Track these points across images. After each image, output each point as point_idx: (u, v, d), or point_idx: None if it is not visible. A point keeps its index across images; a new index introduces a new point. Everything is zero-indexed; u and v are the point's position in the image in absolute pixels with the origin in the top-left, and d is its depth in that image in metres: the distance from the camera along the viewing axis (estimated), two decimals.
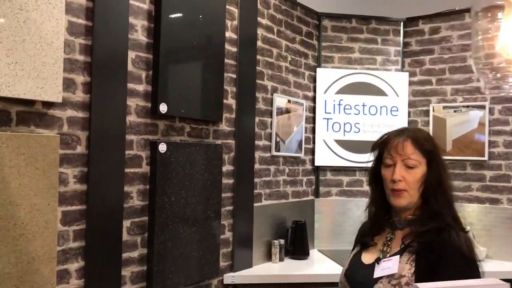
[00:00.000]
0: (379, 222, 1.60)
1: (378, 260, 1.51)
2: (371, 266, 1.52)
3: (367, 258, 1.57)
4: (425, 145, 1.53)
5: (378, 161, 1.61)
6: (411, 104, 4.00)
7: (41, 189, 1.92)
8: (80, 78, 2.14)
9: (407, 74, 4.00)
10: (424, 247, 1.44)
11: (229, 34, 3.00)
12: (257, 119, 3.24)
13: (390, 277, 1.44)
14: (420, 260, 1.43)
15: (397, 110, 3.96)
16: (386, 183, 1.55)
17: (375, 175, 1.62)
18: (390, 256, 1.50)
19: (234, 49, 3.06)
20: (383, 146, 1.58)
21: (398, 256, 1.47)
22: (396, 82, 3.97)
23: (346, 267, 1.62)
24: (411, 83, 4.00)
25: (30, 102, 1.95)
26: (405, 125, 3.92)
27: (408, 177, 1.50)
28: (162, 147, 2.47)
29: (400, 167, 1.51)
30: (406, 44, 4.05)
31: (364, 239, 1.62)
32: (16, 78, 1.85)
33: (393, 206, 1.55)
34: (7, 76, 1.82)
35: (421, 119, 3.96)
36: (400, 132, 1.57)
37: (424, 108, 3.95)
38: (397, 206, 1.53)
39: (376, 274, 1.48)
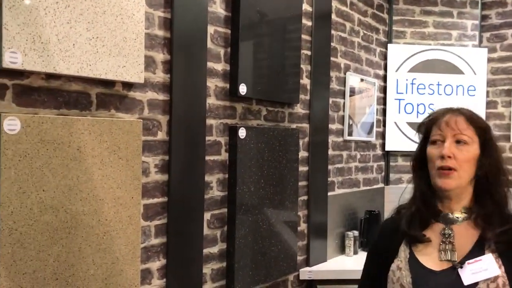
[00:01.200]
0: (426, 215, 1.35)
1: (460, 264, 1.26)
2: (449, 272, 1.28)
3: (430, 261, 1.31)
4: (479, 122, 1.34)
5: (425, 141, 1.38)
6: (490, 83, 3.66)
7: (124, 181, 1.72)
8: (160, 56, 1.91)
9: (485, 50, 3.65)
10: (508, 247, 1.27)
11: (305, 6, 2.72)
12: (330, 101, 2.98)
13: (487, 280, 1.23)
14: (507, 260, 1.26)
15: (475, 90, 3.62)
16: (432, 162, 1.32)
17: (420, 157, 1.38)
18: (467, 256, 1.28)
19: (309, 23, 2.78)
20: (431, 123, 1.36)
21: (491, 254, 1.26)
22: (473, 59, 3.63)
23: (409, 276, 1.32)
24: (490, 60, 3.66)
25: (110, 83, 1.73)
26: (484, 106, 3.60)
27: (459, 154, 1.29)
28: (242, 132, 2.24)
29: (451, 143, 1.29)
30: (484, 17, 3.69)
31: (414, 234, 1.35)
32: (97, 55, 1.63)
33: (438, 188, 1.31)
34: (88, 53, 1.60)
35: (501, 100, 3.63)
36: (451, 109, 1.37)
37: (505, 87, 3.61)
38: (443, 188, 1.29)
39: (470, 280, 1.25)
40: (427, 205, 1.35)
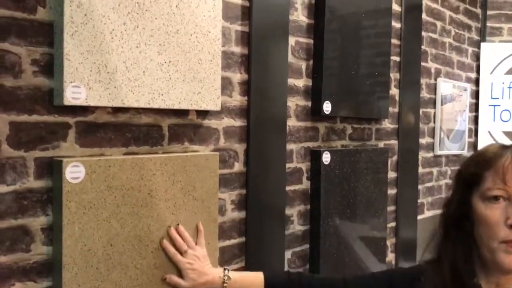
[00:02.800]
0: None
1: None
2: None
3: None
4: None
5: (468, 190, 1.01)
6: None
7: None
8: (236, 76, 1.66)
9: None
10: None
11: (393, 6, 2.39)
12: (420, 111, 2.63)
13: None
14: None
15: None
16: (491, 229, 0.96)
17: (460, 213, 1.01)
18: None
19: (398, 25, 2.44)
20: (485, 167, 0.99)
21: None
22: None
23: None
24: None
25: (183, 112, 1.50)
26: None
27: None
28: (326, 157, 1.96)
29: None
30: None
31: None
32: (169, 83, 1.40)
33: (501, 267, 0.95)
34: (160, 80, 1.37)
35: None
36: None
37: None
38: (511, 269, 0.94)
39: None
40: (460, 283, 0.99)
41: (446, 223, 1.05)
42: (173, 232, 1.39)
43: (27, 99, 1.16)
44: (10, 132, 1.14)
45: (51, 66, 1.20)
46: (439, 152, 2.76)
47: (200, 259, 1.38)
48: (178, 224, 1.42)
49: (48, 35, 1.19)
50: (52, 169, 1.20)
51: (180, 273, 1.37)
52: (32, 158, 1.18)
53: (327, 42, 1.93)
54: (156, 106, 1.37)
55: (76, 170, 1.21)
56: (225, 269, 1.37)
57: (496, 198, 0.96)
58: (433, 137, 2.74)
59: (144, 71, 1.34)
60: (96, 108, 1.28)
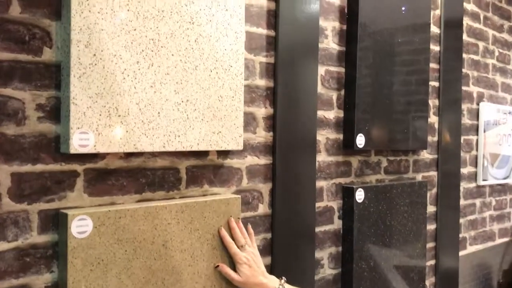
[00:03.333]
0: None
1: None
2: None
3: None
4: None
5: None
6: None
7: (219, 277, 1.37)
8: (261, 111, 1.55)
9: None
10: None
11: (432, 28, 2.23)
12: (461, 139, 2.44)
13: None
14: None
15: None
16: None
17: None
18: None
19: (437, 48, 2.28)
20: None
21: None
22: None
23: None
24: None
25: (203, 153, 1.39)
26: None
27: None
28: (360, 194, 1.81)
29: None
30: None
31: None
32: (187, 123, 1.29)
33: None
34: (176, 121, 1.27)
35: None
36: None
37: None
38: None
39: None
40: None
41: None
42: (232, 222, 1.37)
43: (31, 148, 1.08)
44: (12, 184, 1.05)
45: (58, 111, 1.11)
46: (482, 182, 2.56)
47: (257, 258, 1.36)
48: (238, 218, 1.39)
49: (55, 77, 1.11)
50: (57, 222, 1.11)
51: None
52: (36, 211, 1.09)
53: (360, 70, 1.80)
54: (172, 149, 1.26)
55: (83, 224, 1.11)
56: (281, 278, 1.35)
57: None
58: (476, 166, 2.54)
59: (159, 112, 1.24)
60: (106, 153, 1.19)
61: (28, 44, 1.07)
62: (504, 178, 2.74)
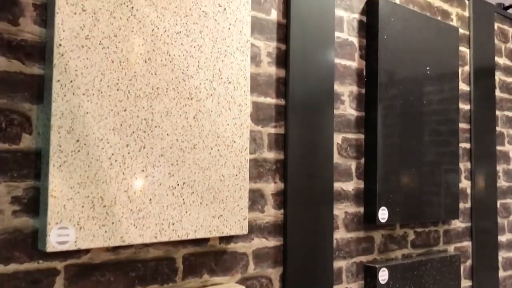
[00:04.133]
0: None
1: None
2: None
3: None
4: None
5: None
6: None
7: None
8: (269, 187, 1.42)
9: None
10: None
11: (460, 86, 2.08)
12: (497, 204, 2.24)
13: None
14: None
15: None
16: None
17: None
18: None
19: (467, 107, 2.11)
20: None
21: None
22: None
23: None
24: None
25: (202, 239, 1.26)
26: None
27: None
28: (383, 275, 1.63)
29: None
30: None
31: None
32: (183, 208, 1.17)
33: None
34: (170, 207, 1.15)
35: None
36: None
37: None
38: None
39: None
40: None
41: None
42: None
43: (4, 246, 0.97)
44: None
45: (36, 202, 1.01)
46: None
47: None
48: None
49: (35, 166, 1.01)
50: None
51: None
52: None
53: (381, 136, 1.65)
54: (164, 239, 1.14)
55: None
56: None
57: None
58: None
59: (150, 199, 1.12)
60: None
61: (4, 131, 0.98)
62: None
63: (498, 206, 2.25)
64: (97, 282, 1.08)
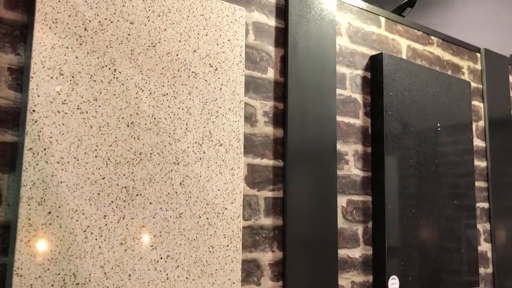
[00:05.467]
0: None
1: None
2: None
3: None
4: None
5: None
6: None
7: None
8: (266, 257, 1.31)
9: None
10: None
11: (475, 142, 1.97)
12: None
13: None
14: None
15: None
16: None
17: None
18: None
19: (483, 164, 1.99)
20: None
21: None
22: None
23: None
24: None
25: None
26: None
27: None
28: None
29: None
30: None
31: None
32: (166, 284, 1.07)
33: None
34: (152, 283, 1.05)
35: None
36: None
37: None
38: None
39: None
40: None
41: None
42: None
43: None
44: None
45: (3, 281, 0.92)
46: None
47: None
48: None
49: (2, 240, 0.93)
50: None
51: None
52: None
53: (389, 201, 1.54)
54: None
55: None
56: None
57: None
58: None
59: (130, 275, 1.02)
60: None
61: None
62: None
63: None
64: None
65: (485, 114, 2.04)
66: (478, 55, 2.09)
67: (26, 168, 0.93)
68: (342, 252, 1.47)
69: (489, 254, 1.94)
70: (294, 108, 1.41)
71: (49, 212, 0.95)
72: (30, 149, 0.94)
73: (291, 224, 1.34)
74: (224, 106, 1.23)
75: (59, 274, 0.94)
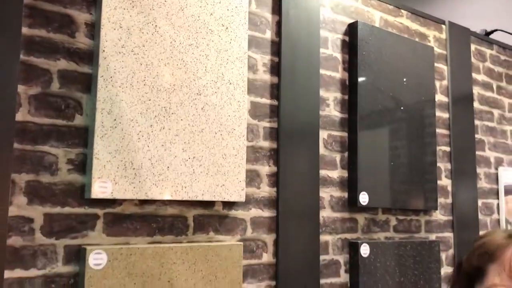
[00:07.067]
0: None
1: None
2: None
3: None
4: None
5: (471, 284, 0.92)
6: None
7: None
8: (264, 169, 1.76)
9: None
10: None
11: (438, 97, 2.40)
12: (479, 203, 2.50)
13: None
14: None
15: None
16: None
17: None
18: None
19: (446, 115, 2.43)
20: (488, 260, 0.90)
21: None
22: None
23: None
24: None
25: (209, 204, 1.60)
26: None
27: None
28: (365, 249, 1.92)
29: None
30: None
31: None
32: (193, 176, 1.52)
33: None
34: (183, 175, 1.50)
35: None
36: None
37: None
38: None
39: None
40: None
41: None
42: None
43: (61, 194, 1.34)
44: (43, 222, 1.30)
45: (84, 165, 1.38)
46: None
47: None
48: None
49: (83, 137, 1.39)
50: (78, 256, 1.34)
51: None
52: (62, 245, 1.32)
53: (361, 136, 1.98)
54: (179, 198, 1.49)
55: (99, 257, 1.33)
56: None
57: None
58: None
59: (168, 167, 1.48)
60: (123, 200, 1.43)
61: (63, 111, 1.37)
62: None
63: (480, 205, 2.51)
64: (127, 228, 1.43)
65: (448, 75, 2.47)
66: (444, 26, 2.51)
67: (100, 89, 1.38)
68: (323, 173, 1.92)
69: (449, 188, 2.38)
70: (286, 62, 1.85)
71: (115, 119, 1.40)
72: (102, 76, 1.39)
73: (284, 146, 1.79)
74: (233, 56, 1.67)
75: (121, 161, 1.40)
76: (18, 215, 1.27)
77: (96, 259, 1.33)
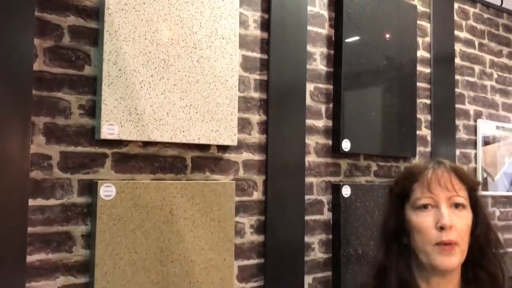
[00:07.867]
0: None
1: None
2: None
3: None
4: (471, 179, 1.09)
5: (401, 204, 1.08)
6: None
7: (216, 242, 1.74)
8: (255, 117, 1.94)
9: None
10: None
11: (420, 53, 2.56)
12: (458, 152, 2.70)
13: None
14: None
15: None
16: (424, 235, 1.03)
17: (396, 226, 1.08)
18: None
19: (427, 70, 2.59)
20: (412, 181, 1.07)
21: None
22: None
23: None
24: None
25: (205, 147, 1.80)
26: None
27: (459, 223, 1.02)
28: (346, 191, 2.13)
29: (447, 208, 1.02)
30: None
31: None
32: (190, 122, 1.71)
33: (437, 269, 1.03)
34: (181, 120, 1.69)
35: None
36: (437, 162, 1.08)
37: None
38: (446, 268, 1.02)
39: None
40: None
41: (386, 239, 1.11)
42: None
43: (74, 135, 1.53)
44: (60, 159, 1.50)
45: (93, 109, 1.57)
46: (482, 193, 2.76)
47: None
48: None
49: (92, 86, 1.57)
50: (91, 188, 1.54)
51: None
52: (76, 179, 1.53)
53: (345, 87, 2.16)
54: (177, 140, 1.68)
55: (109, 190, 1.53)
56: None
57: (425, 206, 1.04)
58: (475, 178, 2.76)
59: (167, 113, 1.67)
60: (129, 142, 1.62)
61: (74, 62, 1.54)
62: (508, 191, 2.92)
63: (458, 154, 2.70)
64: (132, 166, 1.63)
65: (431, 32, 2.62)
66: None
67: (106, 42, 1.55)
68: (309, 122, 2.10)
69: (429, 138, 2.57)
70: (276, 18, 2.00)
71: (119, 69, 1.58)
72: (107, 31, 1.56)
73: (271, 98, 1.97)
74: (225, 12, 1.83)
75: (126, 107, 1.58)
76: (38, 153, 1.47)
77: (106, 191, 1.53)
